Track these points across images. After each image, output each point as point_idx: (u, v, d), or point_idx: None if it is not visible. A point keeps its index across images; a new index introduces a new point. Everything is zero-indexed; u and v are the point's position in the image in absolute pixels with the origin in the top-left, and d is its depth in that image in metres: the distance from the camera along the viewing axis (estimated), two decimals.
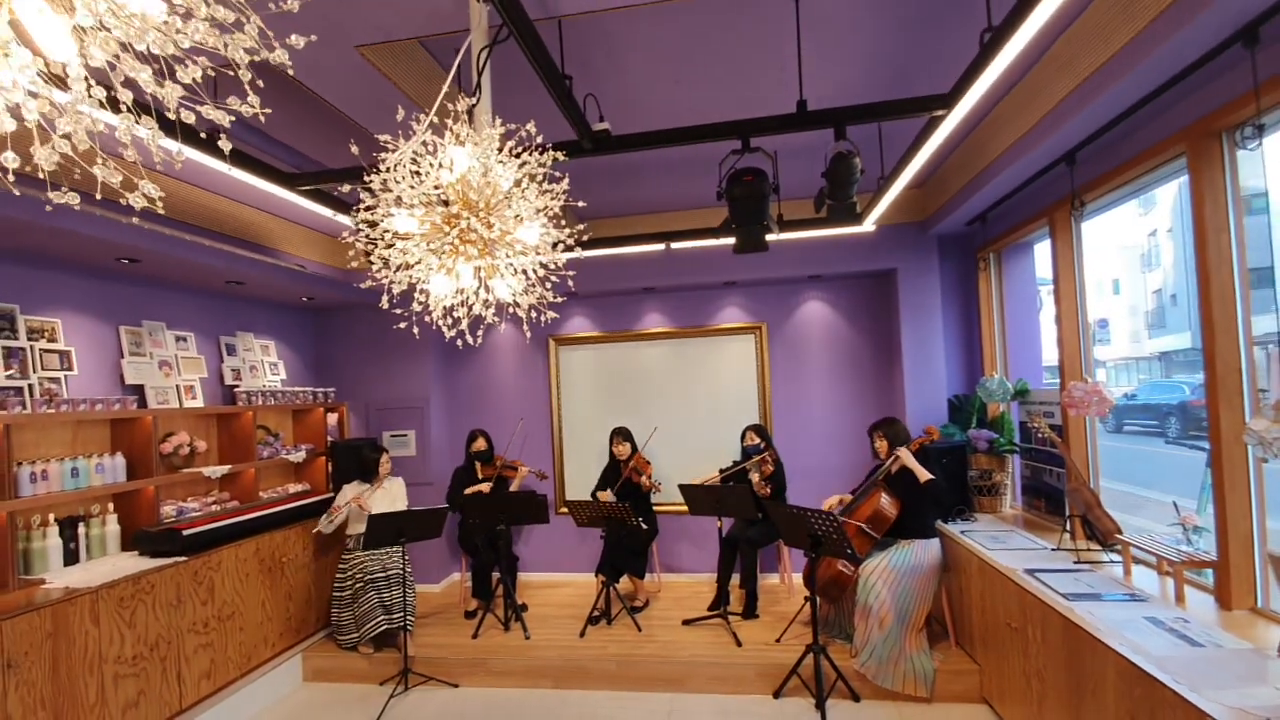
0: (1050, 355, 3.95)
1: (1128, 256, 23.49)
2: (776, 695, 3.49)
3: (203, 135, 0.82)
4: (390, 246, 1.26)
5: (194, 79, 0.84)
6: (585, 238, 1.96)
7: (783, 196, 4.23)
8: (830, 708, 3.28)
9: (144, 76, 0.81)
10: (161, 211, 0.99)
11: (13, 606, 2.73)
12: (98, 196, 0.93)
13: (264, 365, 4.81)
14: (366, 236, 1.30)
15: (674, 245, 4.06)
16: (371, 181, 1.22)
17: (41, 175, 0.85)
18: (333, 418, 5.12)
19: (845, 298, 5.10)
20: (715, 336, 5.28)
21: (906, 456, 3.58)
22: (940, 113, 2.19)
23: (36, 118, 0.80)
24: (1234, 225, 2.37)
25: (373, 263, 1.31)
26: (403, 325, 1.77)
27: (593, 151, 2.39)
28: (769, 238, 2.82)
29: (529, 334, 2.47)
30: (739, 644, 3.81)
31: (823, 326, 5.13)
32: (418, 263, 1.23)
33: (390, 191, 1.20)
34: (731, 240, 2.92)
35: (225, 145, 0.96)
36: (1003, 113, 3.19)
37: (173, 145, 1.00)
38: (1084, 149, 2.93)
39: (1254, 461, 2.32)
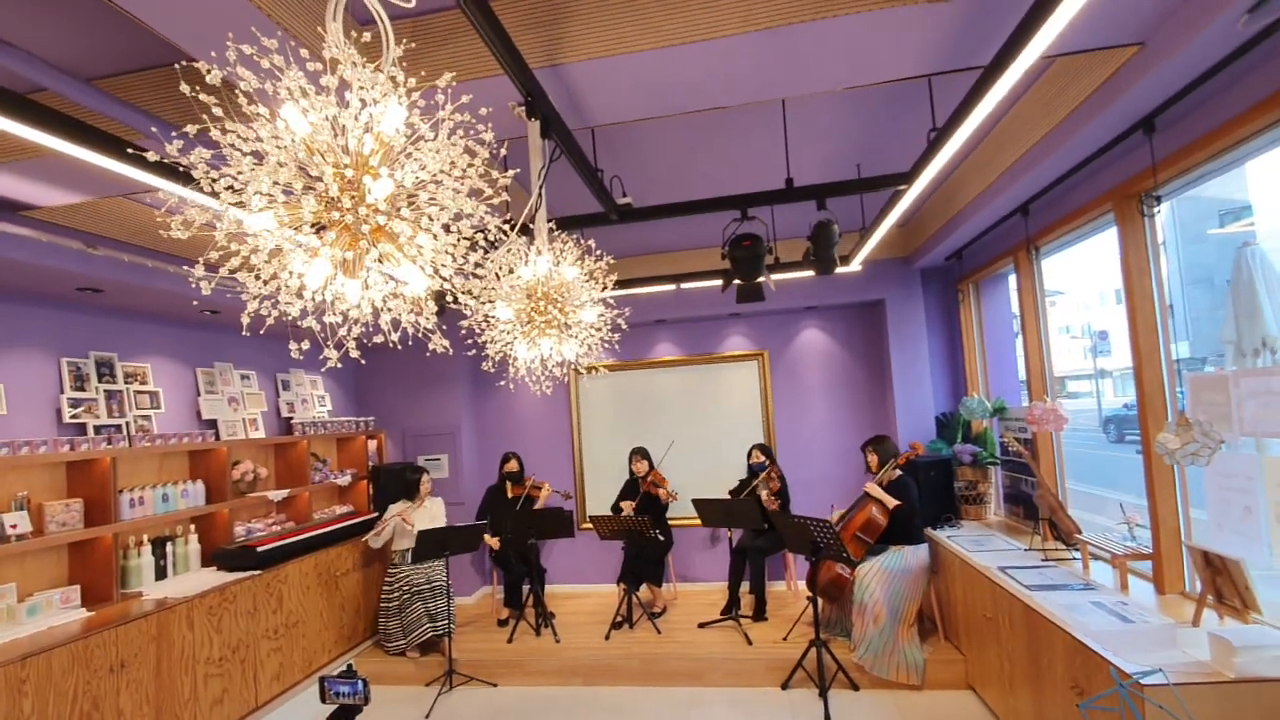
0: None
1: None
2: (784, 687, 3.90)
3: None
4: (493, 328, 1.75)
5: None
6: (626, 312, 2.44)
7: (779, 236, 4.72)
8: (832, 696, 3.68)
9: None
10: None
11: (119, 616, 3.19)
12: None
13: (314, 398, 5.31)
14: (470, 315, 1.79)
15: (683, 285, 4.55)
16: (483, 289, 1.72)
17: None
18: (373, 444, 5.60)
19: (840, 326, 5.57)
20: (722, 363, 5.75)
21: (873, 489, 4.02)
22: (902, 188, 2.68)
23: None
24: (1154, 270, 2.84)
25: (483, 344, 1.80)
26: (501, 383, 2.27)
27: (618, 221, 2.88)
28: (763, 280, 3.31)
29: (550, 386, 2.92)
30: (750, 643, 4.22)
31: (820, 352, 5.60)
32: (514, 340, 1.72)
33: (492, 289, 1.70)
34: (736, 281, 3.41)
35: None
36: (967, 171, 3.68)
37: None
38: (1035, 202, 3.42)
39: (1179, 468, 2.76)
